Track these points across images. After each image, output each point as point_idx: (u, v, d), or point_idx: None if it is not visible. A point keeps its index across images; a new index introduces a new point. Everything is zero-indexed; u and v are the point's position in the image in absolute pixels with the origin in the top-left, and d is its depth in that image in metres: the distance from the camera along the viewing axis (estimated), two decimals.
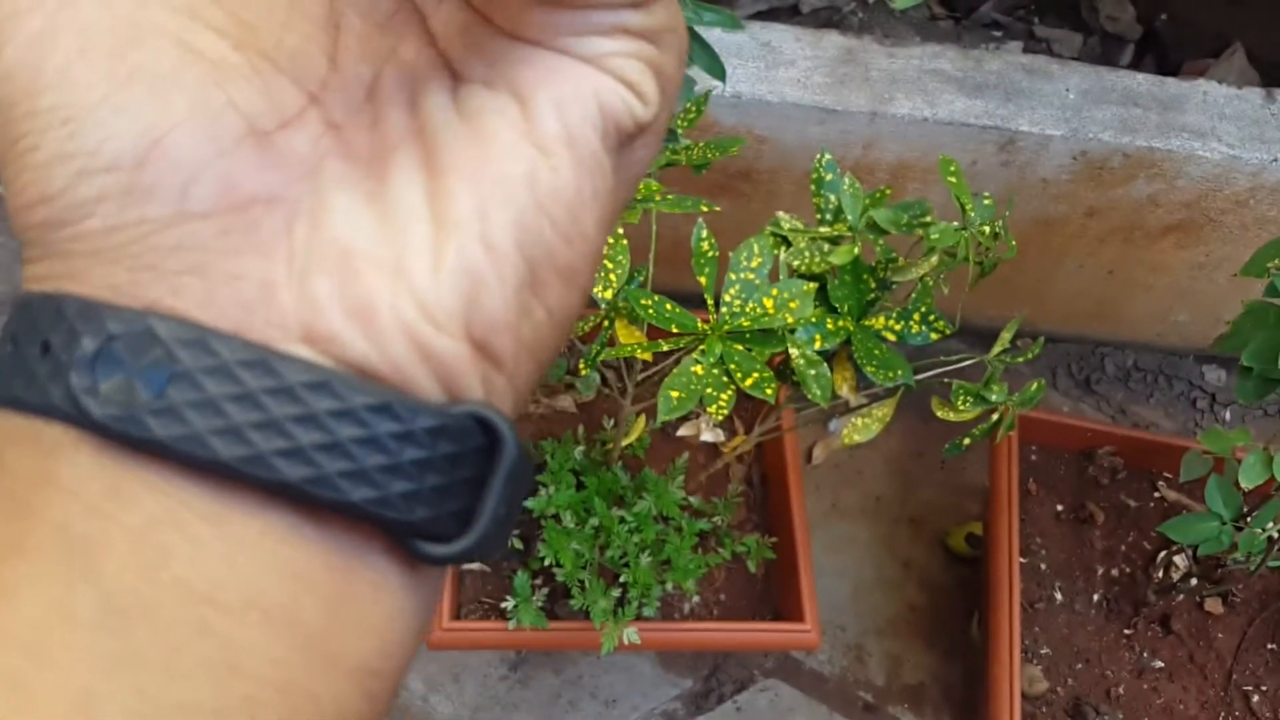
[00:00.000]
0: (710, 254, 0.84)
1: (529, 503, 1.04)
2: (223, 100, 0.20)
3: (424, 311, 0.20)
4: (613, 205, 0.22)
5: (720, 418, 0.80)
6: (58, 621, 0.18)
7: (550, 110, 0.21)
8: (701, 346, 0.80)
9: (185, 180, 0.20)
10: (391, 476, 0.20)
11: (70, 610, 0.18)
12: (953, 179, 0.87)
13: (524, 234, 0.20)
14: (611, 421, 1.15)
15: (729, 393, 0.80)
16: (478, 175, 0.20)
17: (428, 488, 0.20)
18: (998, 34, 1.54)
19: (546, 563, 1.03)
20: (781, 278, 0.84)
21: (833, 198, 0.87)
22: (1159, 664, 1.17)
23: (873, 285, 0.88)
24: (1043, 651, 1.16)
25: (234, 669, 0.19)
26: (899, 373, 0.86)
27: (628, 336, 0.86)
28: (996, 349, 0.91)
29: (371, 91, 0.22)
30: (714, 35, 1.11)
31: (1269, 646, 1.20)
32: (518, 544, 1.09)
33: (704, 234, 0.84)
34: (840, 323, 0.87)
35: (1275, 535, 1.01)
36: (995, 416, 0.92)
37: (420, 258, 0.20)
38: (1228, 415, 1.48)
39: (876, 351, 0.87)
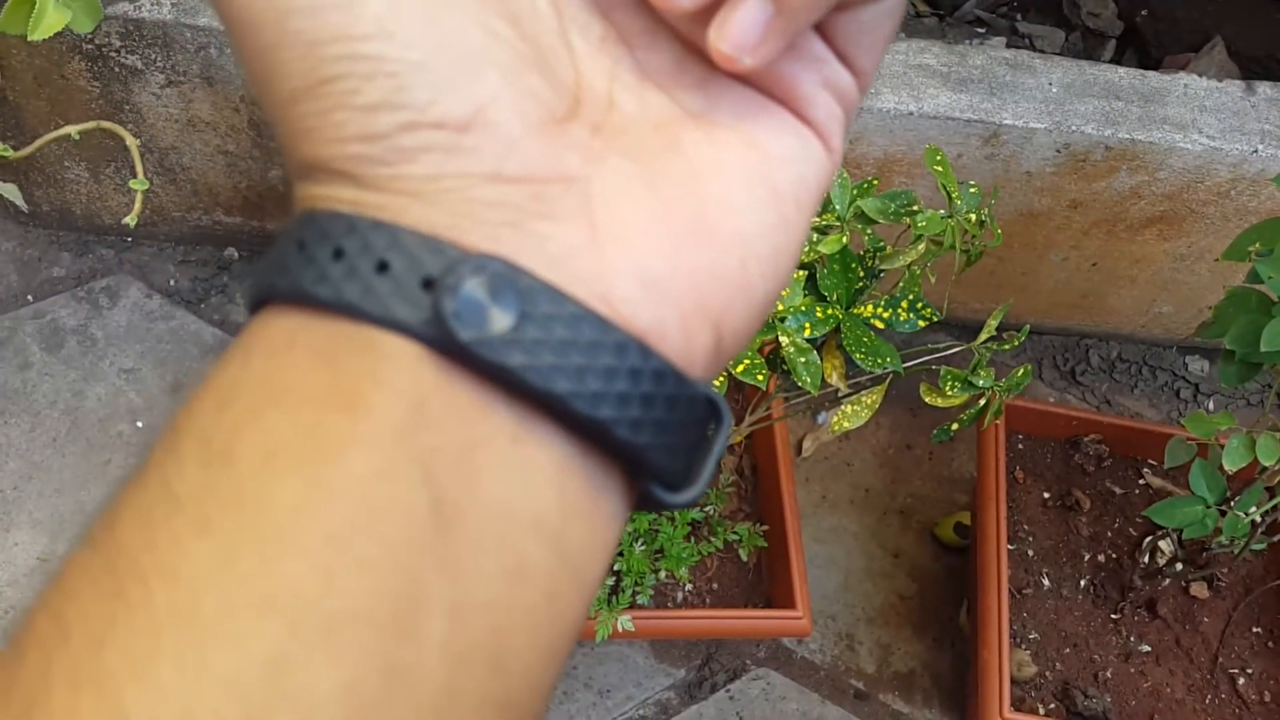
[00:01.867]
0: None
1: None
2: (526, 84, 0.24)
3: (698, 301, 0.24)
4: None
5: None
6: (402, 517, 0.20)
7: (784, 170, 0.25)
8: None
9: (502, 148, 0.23)
10: (663, 429, 0.23)
11: (412, 509, 0.21)
12: (939, 168, 0.88)
13: (765, 270, 0.25)
14: None
15: (720, 379, 0.81)
16: (735, 212, 0.25)
17: (683, 443, 0.24)
18: (981, 31, 1.56)
19: None
20: None
21: None
22: (1146, 648, 1.18)
23: (861, 274, 0.89)
24: (1031, 636, 1.18)
25: (522, 577, 0.22)
26: (887, 359, 0.87)
27: None
28: (983, 336, 0.92)
29: (610, 101, 0.25)
30: None
31: (1254, 630, 1.21)
32: None
33: None
34: (829, 311, 0.88)
35: (1258, 519, 1.02)
36: (983, 402, 0.94)
37: (699, 257, 0.24)
38: (1211, 405, 1.50)
39: (865, 339, 0.88)
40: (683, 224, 0.24)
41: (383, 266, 0.22)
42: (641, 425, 0.23)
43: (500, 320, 0.22)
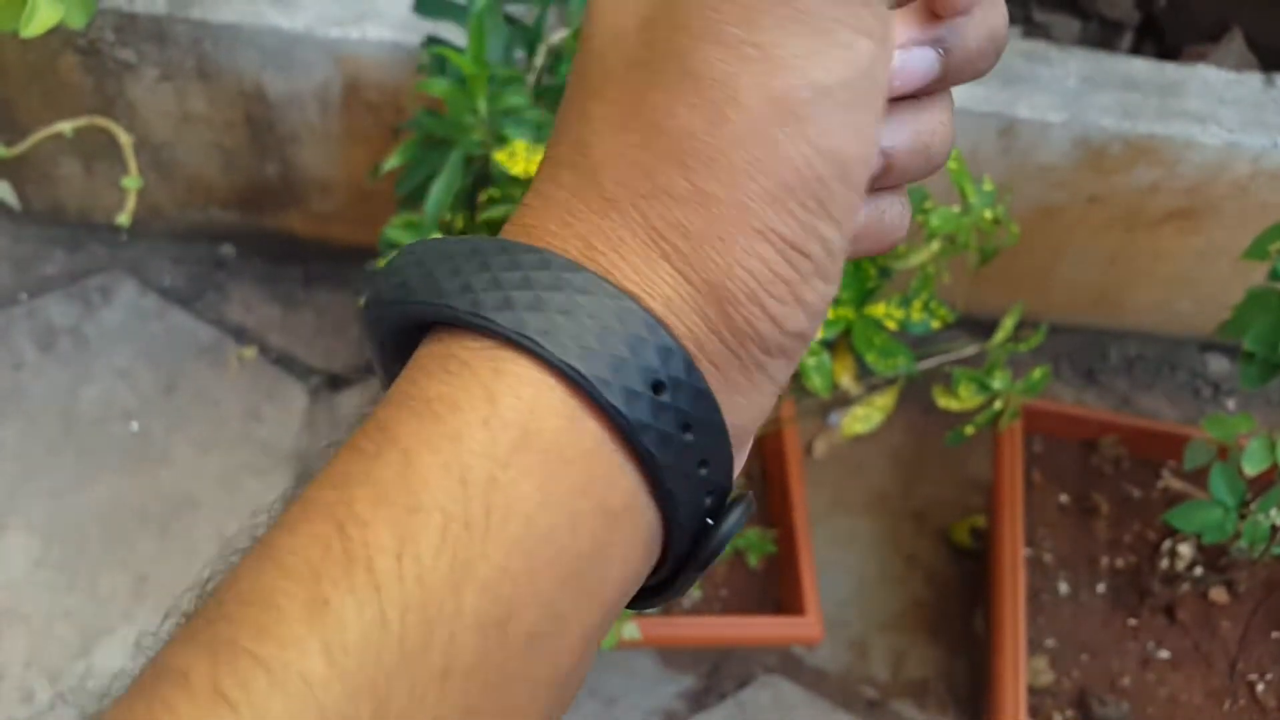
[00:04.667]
0: None
1: None
2: None
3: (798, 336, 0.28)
4: None
5: None
6: (573, 560, 0.24)
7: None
8: None
9: None
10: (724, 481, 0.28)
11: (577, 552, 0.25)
12: (953, 165, 0.86)
13: (813, 312, 0.28)
14: None
15: None
16: None
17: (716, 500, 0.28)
18: None
19: None
20: None
21: None
22: (1164, 654, 1.16)
23: (873, 273, 0.86)
24: (1048, 643, 1.15)
25: (594, 593, 0.25)
26: (900, 361, 0.84)
27: None
28: (999, 336, 0.90)
29: None
30: None
31: (1273, 635, 1.19)
32: None
33: None
34: (840, 311, 0.86)
35: (1278, 522, 1.00)
36: (998, 405, 0.91)
37: (810, 292, 0.28)
38: (1231, 404, 1.47)
39: (876, 340, 0.86)
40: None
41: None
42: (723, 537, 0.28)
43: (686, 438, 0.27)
